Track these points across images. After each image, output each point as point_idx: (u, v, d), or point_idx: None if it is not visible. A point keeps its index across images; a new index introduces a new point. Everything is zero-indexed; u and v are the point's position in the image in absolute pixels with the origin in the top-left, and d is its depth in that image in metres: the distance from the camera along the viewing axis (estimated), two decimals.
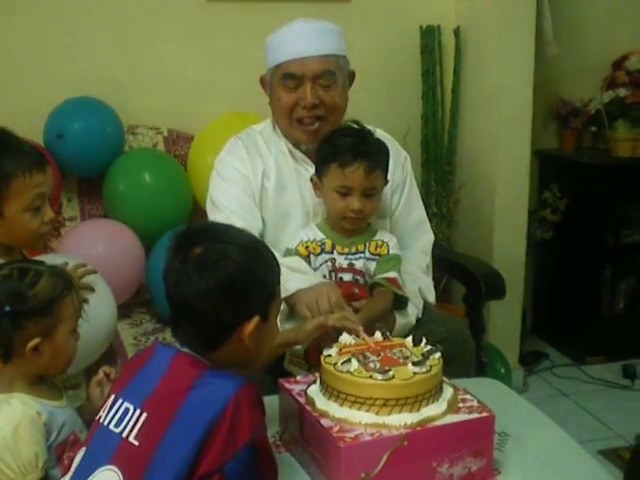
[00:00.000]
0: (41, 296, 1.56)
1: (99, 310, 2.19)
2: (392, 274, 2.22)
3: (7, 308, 1.52)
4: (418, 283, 2.37)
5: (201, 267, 1.42)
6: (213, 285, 1.42)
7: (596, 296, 3.74)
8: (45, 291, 1.57)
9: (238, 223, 2.24)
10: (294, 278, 2.18)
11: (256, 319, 1.46)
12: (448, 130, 3.51)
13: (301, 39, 2.30)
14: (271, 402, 1.92)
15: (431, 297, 2.43)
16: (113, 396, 1.48)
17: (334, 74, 2.31)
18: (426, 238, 2.53)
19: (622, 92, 3.63)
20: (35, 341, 1.57)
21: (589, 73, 3.85)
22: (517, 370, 3.45)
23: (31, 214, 1.92)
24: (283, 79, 2.30)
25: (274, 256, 1.57)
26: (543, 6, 3.27)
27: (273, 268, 1.54)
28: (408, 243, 2.43)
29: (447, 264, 2.86)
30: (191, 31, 3.23)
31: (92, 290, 2.04)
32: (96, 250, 2.76)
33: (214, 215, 2.35)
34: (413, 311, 2.31)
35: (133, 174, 2.94)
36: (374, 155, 2.20)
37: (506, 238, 3.37)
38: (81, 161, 2.93)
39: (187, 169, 3.03)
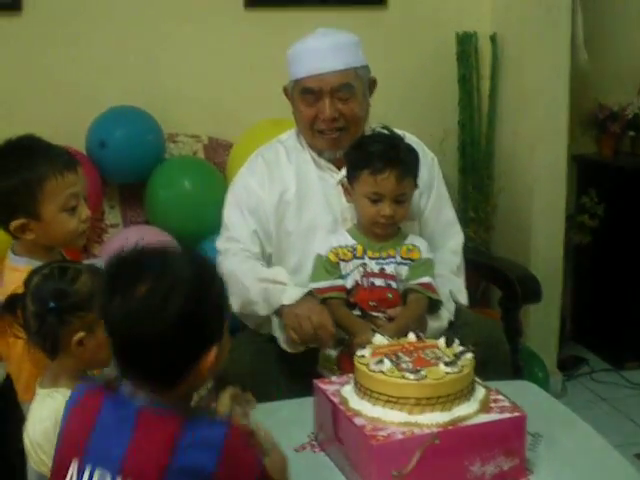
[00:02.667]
0: (82, 291, 1.61)
1: None
2: (426, 279, 2.24)
3: (52, 304, 1.57)
4: (449, 285, 2.39)
5: (150, 307, 1.29)
6: (167, 325, 1.29)
7: (635, 301, 3.72)
8: (85, 286, 1.62)
9: (238, 246, 2.40)
10: (275, 293, 2.25)
11: (216, 348, 1.36)
12: (485, 135, 3.52)
13: (318, 55, 2.36)
14: (304, 403, 1.97)
15: (462, 298, 2.44)
16: (76, 462, 1.35)
17: (352, 87, 2.36)
18: (456, 239, 2.55)
19: None
20: (80, 335, 1.62)
21: (626, 77, 3.85)
22: (555, 375, 3.45)
23: (68, 214, 1.97)
24: (302, 93, 2.38)
25: (218, 272, 1.45)
26: (576, 12, 3.27)
27: (222, 287, 1.42)
28: (438, 244, 2.45)
29: (484, 268, 2.88)
30: (229, 39, 3.28)
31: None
32: None
33: (222, 232, 2.47)
34: (445, 314, 2.33)
35: (174, 181, 2.99)
36: (405, 162, 2.23)
37: (543, 242, 3.38)
38: (123, 169, 3.00)
39: (226, 176, 3.08)
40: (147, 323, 1.28)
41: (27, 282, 1.65)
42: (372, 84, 2.46)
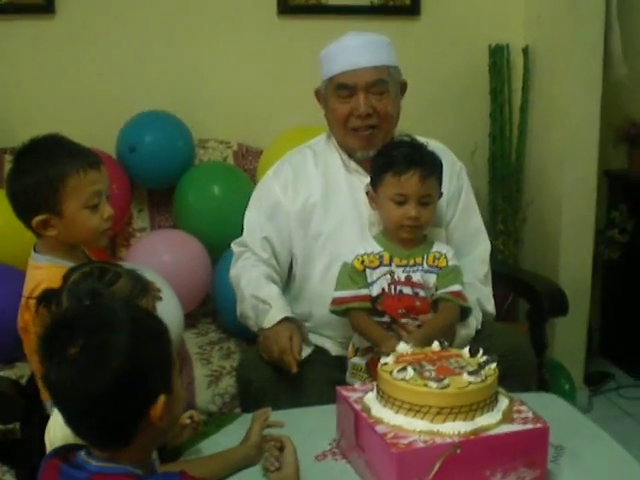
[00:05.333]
0: (117, 295, 1.61)
1: (167, 319, 2.23)
2: (456, 287, 2.23)
3: (87, 302, 1.58)
4: (476, 293, 2.38)
5: (83, 369, 1.24)
6: (102, 386, 1.24)
7: None
8: (122, 291, 1.62)
9: (248, 251, 2.46)
10: (260, 313, 2.30)
11: (162, 398, 1.29)
12: (516, 148, 3.51)
13: (353, 51, 2.38)
14: (328, 411, 1.97)
15: (490, 306, 2.44)
16: None
17: (386, 83, 2.37)
18: (483, 246, 2.55)
19: None
20: None
21: None
22: (582, 389, 3.42)
23: (90, 211, 1.98)
24: (337, 90, 2.38)
25: (157, 322, 1.38)
26: (612, 26, 3.25)
27: (164, 335, 1.36)
28: (465, 252, 2.44)
29: (511, 281, 2.86)
30: (261, 46, 3.30)
31: None
32: (164, 259, 2.83)
33: (240, 238, 2.51)
34: (473, 323, 2.33)
35: (203, 186, 3.00)
36: (428, 163, 2.24)
37: (572, 256, 3.35)
38: (152, 173, 3.02)
39: (255, 183, 3.09)
40: (82, 386, 1.24)
41: (66, 277, 1.65)
42: (403, 86, 2.47)
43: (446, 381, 1.65)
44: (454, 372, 1.72)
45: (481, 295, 2.39)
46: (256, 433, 1.82)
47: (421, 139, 2.35)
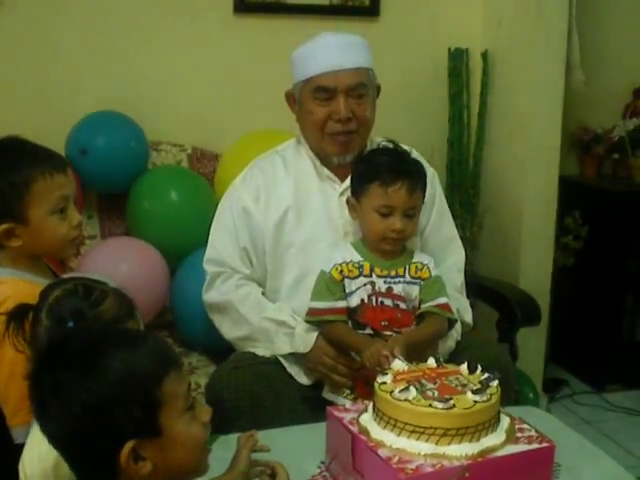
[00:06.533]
0: (104, 316, 1.49)
1: None
2: (443, 299, 2.16)
3: (70, 324, 1.45)
4: (455, 304, 2.31)
5: (55, 407, 1.20)
6: (66, 428, 1.19)
7: (617, 323, 3.72)
8: (109, 312, 1.50)
9: (229, 270, 2.34)
10: (281, 336, 2.22)
11: (130, 444, 1.18)
12: (473, 154, 3.47)
13: (333, 52, 2.28)
14: (311, 430, 1.88)
15: (468, 317, 2.38)
16: None
17: (366, 86, 2.30)
18: (458, 255, 2.50)
19: None
20: None
21: (610, 101, 3.85)
22: (542, 397, 3.40)
23: (57, 218, 1.86)
24: (315, 92, 2.28)
25: (150, 353, 1.26)
26: (571, 33, 3.24)
27: (153, 375, 1.23)
28: (440, 260, 2.37)
29: (479, 289, 2.81)
30: (217, 45, 3.18)
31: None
32: (119, 269, 2.67)
33: (208, 251, 2.41)
34: (454, 335, 2.27)
35: (159, 191, 2.86)
36: (415, 174, 2.16)
37: (532, 263, 3.33)
38: (105, 177, 2.86)
39: (214, 187, 2.98)
40: (57, 424, 1.20)
41: (45, 294, 1.52)
42: (378, 89, 2.39)
43: (452, 401, 1.57)
44: (457, 391, 1.64)
45: (459, 305, 2.33)
46: (244, 459, 1.66)
47: (404, 146, 2.28)
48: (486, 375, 1.70)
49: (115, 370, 1.19)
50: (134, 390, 1.20)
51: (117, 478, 1.21)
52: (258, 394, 2.11)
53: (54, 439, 1.22)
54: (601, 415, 3.50)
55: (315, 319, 2.17)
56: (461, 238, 3.33)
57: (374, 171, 2.15)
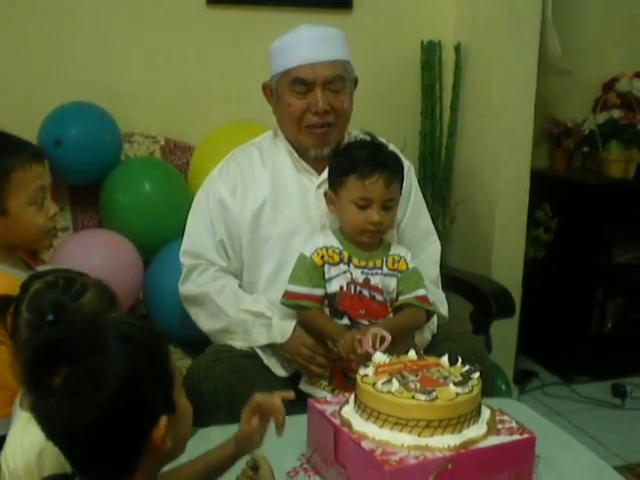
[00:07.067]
0: (85, 309, 1.47)
1: None
2: (421, 291, 2.18)
3: (50, 317, 1.42)
4: (431, 297, 2.31)
5: (69, 400, 1.12)
6: (93, 416, 1.12)
7: (586, 315, 3.75)
8: (89, 305, 1.49)
9: (205, 262, 2.32)
10: (258, 328, 2.21)
11: (164, 419, 1.19)
12: (446, 146, 3.48)
13: (310, 44, 2.27)
14: (289, 423, 1.87)
15: (444, 309, 2.40)
16: None
17: (344, 79, 2.30)
18: (434, 247, 2.52)
19: (616, 113, 3.65)
20: None
21: (580, 94, 3.88)
22: (513, 389, 3.43)
23: (35, 208, 1.87)
24: (292, 84, 2.27)
25: (152, 333, 1.25)
26: (547, 24, 3.26)
27: (161, 350, 1.23)
28: (417, 253, 2.38)
29: (453, 281, 2.82)
30: (190, 37, 3.15)
31: None
32: (92, 262, 2.64)
33: (185, 243, 2.38)
34: (429, 327, 2.28)
35: (133, 183, 2.83)
36: (392, 166, 2.18)
37: (505, 256, 3.35)
38: (78, 169, 2.82)
39: (187, 179, 2.95)
40: (72, 419, 1.12)
41: (26, 286, 1.51)
42: (356, 82, 2.39)
43: (435, 393, 1.58)
44: (439, 383, 1.65)
45: (435, 298, 2.33)
46: (246, 421, 1.55)
47: (381, 139, 2.28)
48: (467, 367, 1.71)
49: (130, 352, 1.17)
50: (156, 367, 1.19)
51: (134, 466, 1.20)
52: (236, 387, 2.10)
53: (63, 436, 1.17)
54: (571, 406, 3.53)
55: (290, 302, 2.17)
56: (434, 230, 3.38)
57: (351, 164, 2.15)
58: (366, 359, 1.83)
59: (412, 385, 1.63)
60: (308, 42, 2.27)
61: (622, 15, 3.90)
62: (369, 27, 3.34)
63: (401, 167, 2.22)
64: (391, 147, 2.30)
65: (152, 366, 1.19)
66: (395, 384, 1.61)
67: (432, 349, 2.21)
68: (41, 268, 1.92)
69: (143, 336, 1.22)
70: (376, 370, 1.70)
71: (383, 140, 2.30)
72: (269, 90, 2.37)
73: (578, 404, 3.56)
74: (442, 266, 2.56)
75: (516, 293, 3.33)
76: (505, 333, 3.36)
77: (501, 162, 3.29)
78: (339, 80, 2.27)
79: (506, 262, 3.35)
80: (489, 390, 2.29)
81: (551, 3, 3.27)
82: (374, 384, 1.63)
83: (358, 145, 2.22)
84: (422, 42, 3.40)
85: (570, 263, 3.72)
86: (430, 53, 3.40)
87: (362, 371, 1.70)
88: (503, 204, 3.31)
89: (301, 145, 2.33)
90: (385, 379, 1.63)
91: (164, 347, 1.24)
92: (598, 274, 3.72)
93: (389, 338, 1.95)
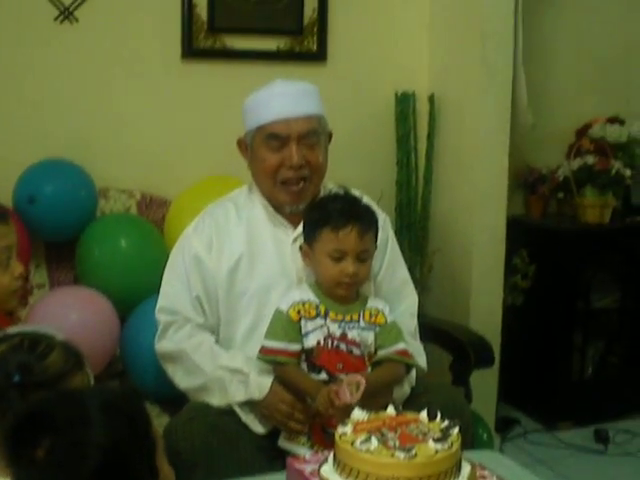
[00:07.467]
0: (50, 370, 1.46)
1: None
2: (401, 345, 2.18)
3: (16, 378, 1.41)
4: (409, 349, 2.31)
5: (53, 472, 1.11)
6: None
7: (566, 361, 3.75)
8: (55, 365, 1.48)
9: (182, 319, 2.31)
10: (235, 384, 2.18)
11: None
12: (422, 196, 3.49)
13: (285, 100, 2.30)
14: None
15: (422, 361, 2.38)
16: None
17: (318, 133, 2.32)
18: (411, 299, 2.52)
19: (590, 159, 3.67)
20: None
21: (554, 141, 3.92)
22: (494, 438, 3.40)
23: (0, 269, 1.84)
24: (267, 139, 2.28)
25: (133, 399, 1.26)
26: (518, 75, 3.30)
27: (142, 417, 1.23)
28: (394, 305, 2.37)
29: (432, 331, 2.81)
30: (165, 91, 3.15)
31: None
32: (69, 319, 2.62)
33: (161, 300, 2.37)
34: (408, 380, 2.27)
35: (109, 239, 2.82)
36: (365, 218, 2.19)
37: (484, 304, 3.35)
38: (53, 226, 2.81)
39: (163, 234, 2.95)
40: None
41: None
42: (330, 137, 2.41)
43: (414, 451, 1.57)
44: (418, 440, 1.64)
45: (414, 350, 2.32)
46: None
47: (355, 192, 2.30)
48: (446, 422, 1.70)
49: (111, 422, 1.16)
50: (138, 434, 1.18)
51: None
52: (213, 446, 2.08)
53: None
54: (554, 453, 3.51)
55: (267, 358, 2.15)
56: (411, 280, 3.38)
57: (325, 216, 2.17)
58: (346, 411, 1.82)
59: (391, 443, 1.62)
60: (282, 97, 2.29)
61: (593, 61, 3.95)
62: (343, 79, 3.37)
63: (375, 219, 2.23)
64: (365, 200, 2.31)
65: (135, 434, 1.18)
66: (374, 442, 1.60)
67: (411, 402, 2.20)
68: (10, 329, 1.90)
69: (124, 403, 1.21)
70: (355, 428, 1.68)
71: (357, 193, 2.32)
72: (244, 145, 2.38)
73: (561, 451, 3.54)
74: (420, 316, 2.56)
75: (495, 341, 3.33)
76: (486, 381, 3.34)
77: (477, 210, 3.31)
78: (313, 135, 2.29)
79: (485, 310, 3.35)
80: (470, 441, 2.29)
81: (522, 52, 3.31)
82: (353, 442, 1.61)
83: (332, 199, 2.24)
84: (396, 93, 3.43)
85: (549, 309, 3.73)
86: (404, 104, 3.42)
87: (340, 429, 1.68)
88: (480, 252, 3.32)
89: (276, 201, 2.33)
90: (364, 437, 1.61)
91: (145, 413, 1.23)
92: (577, 319, 3.74)
93: (363, 382, 1.95)
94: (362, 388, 1.94)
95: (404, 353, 2.17)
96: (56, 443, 1.12)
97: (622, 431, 3.66)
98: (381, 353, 2.16)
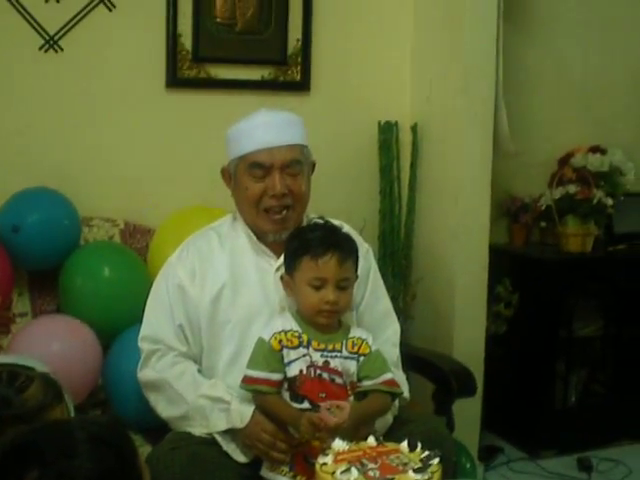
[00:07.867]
0: (29, 403, 1.46)
1: None
2: (388, 375, 2.19)
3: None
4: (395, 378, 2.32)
5: None
6: None
7: (549, 389, 3.76)
8: (34, 398, 1.48)
9: (164, 347, 2.32)
10: (217, 413, 2.18)
11: None
12: (405, 224, 3.51)
13: (268, 129, 2.32)
14: None
15: (405, 391, 2.38)
16: None
17: (301, 163, 2.34)
18: (393, 329, 2.52)
19: (572, 189, 3.71)
20: None
21: (536, 170, 3.94)
22: (478, 467, 3.40)
23: None
24: (250, 169, 2.30)
25: (119, 432, 1.25)
26: (500, 105, 3.34)
27: (128, 449, 1.23)
28: (376, 335, 2.37)
29: (413, 360, 2.82)
30: (149, 120, 3.17)
31: None
32: (51, 347, 2.61)
33: (144, 329, 2.38)
34: (391, 409, 2.27)
35: (92, 268, 2.81)
36: (345, 246, 2.21)
37: (466, 332, 3.36)
38: (37, 255, 2.80)
39: (147, 263, 2.95)
40: None
41: None
42: (313, 166, 2.43)
43: None
44: (398, 470, 1.65)
45: (396, 380, 2.33)
46: None
47: (335, 222, 2.32)
48: (427, 453, 1.71)
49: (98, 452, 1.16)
50: (125, 466, 1.18)
51: None
52: (195, 476, 2.07)
53: None
54: None
55: (249, 387, 2.16)
56: (395, 309, 3.38)
57: (305, 245, 2.19)
58: (334, 433, 1.83)
59: (371, 473, 1.63)
60: (265, 127, 2.31)
61: (575, 90, 4.01)
62: (327, 109, 3.40)
63: (355, 247, 2.25)
64: (346, 229, 2.33)
65: (121, 465, 1.18)
66: (354, 473, 1.61)
67: (393, 432, 2.20)
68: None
69: (111, 435, 1.21)
70: (335, 458, 1.69)
71: (337, 223, 2.34)
72: (227, 174, 2.40)
73: (544, 479, 3.54)
74: (403, 345, 2.57)
75: (478, 369, 3.34)
76: (469, 409, 3.34)
77: (460, 239, 3.33)
78: (296, 164, 2.31)
79: (468, 338, 3.36)
80: (452, 471, 2.29)
81: (503, 82, 3.35)
82: (333, 473, 1.62)
83: (311, 228, 2.27)
84: (379, 122, 3.45)
85: (532, 337, 3.74)
86: (387, 133, 3.45)
87: (321, 459, 1.69)
88: (463, 281, 3.34)
89: (259, 229, 2.35)
90: (344, 467, 1.62)
91: (132, 444, 1.24)
92: (560, 348, 3.75)
93: (344, 404, 1.98)
94: (347, 410, 1.95)
95: (391, 383, 2.19)
96: (43, 475, 1.11)
97: (605, 459, 3.66)
98: (367, 384, 2.17)
